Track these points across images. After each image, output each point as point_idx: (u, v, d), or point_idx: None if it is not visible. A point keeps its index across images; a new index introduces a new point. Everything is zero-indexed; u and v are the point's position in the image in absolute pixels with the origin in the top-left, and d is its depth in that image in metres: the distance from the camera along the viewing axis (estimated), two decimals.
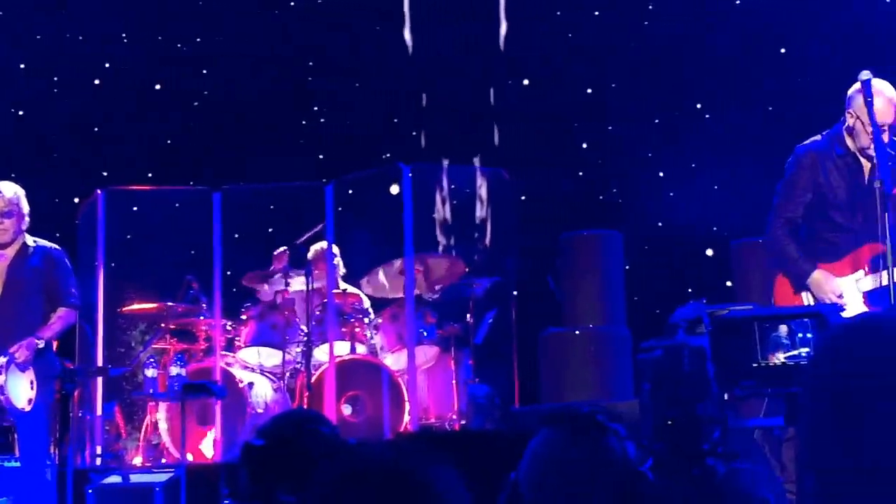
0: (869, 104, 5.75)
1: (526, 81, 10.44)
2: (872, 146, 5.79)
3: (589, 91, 10.43)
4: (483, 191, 8.87)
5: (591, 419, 2.83)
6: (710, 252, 9.80)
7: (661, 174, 10.32)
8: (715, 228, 9.87)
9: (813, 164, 6.03)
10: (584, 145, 10.53)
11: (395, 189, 8.48)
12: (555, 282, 9.24)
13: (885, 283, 5.59)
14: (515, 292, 8.74)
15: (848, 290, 5.91)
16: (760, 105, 9.93)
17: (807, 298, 5.95)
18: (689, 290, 9.37)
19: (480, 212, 8.80)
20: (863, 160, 6.00)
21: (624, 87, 10.43)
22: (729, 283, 9.15)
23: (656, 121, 10.47)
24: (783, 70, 9.98)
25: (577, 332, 9.03)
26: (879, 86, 5.88)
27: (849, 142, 5.97)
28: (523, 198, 9.73)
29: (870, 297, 5.85)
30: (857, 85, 5.86)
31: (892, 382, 1.62)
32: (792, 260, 5.99)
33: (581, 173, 10.62)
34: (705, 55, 10.21)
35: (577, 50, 10.32)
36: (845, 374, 1.67)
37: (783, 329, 5.37)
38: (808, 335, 5.16)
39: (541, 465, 2.76)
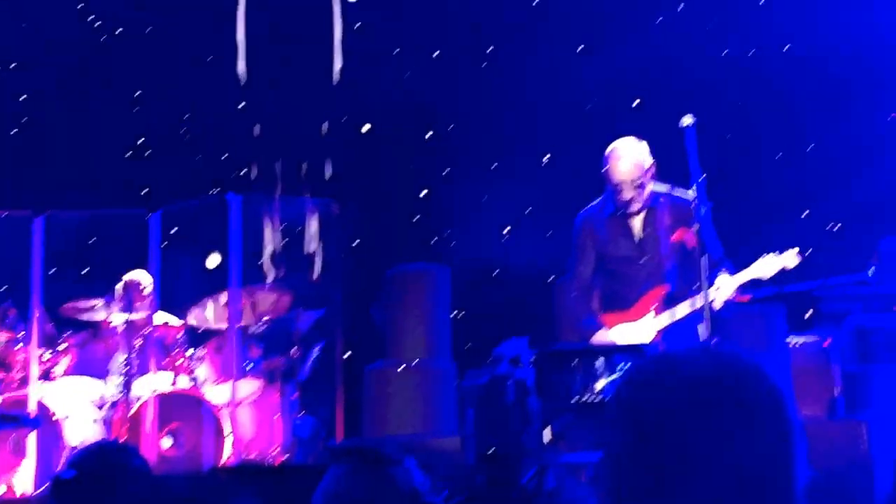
0: (604, 173, 6.17)
1: (366, 126, 10.43)
2: (633, 202, 6.16)
3: (430, 134, 10.47)
4: (313, 223, 8.66)
5: (376, 452, 2.83)
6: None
7: (492, 215, 10.39)
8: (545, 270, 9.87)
9: (590, 228, 6.39)
10: (423, 191, 10.52)
11: (213, 261, 8.57)
12: (379, 315, 9.16)
13: (677, 317, 6.03)
14: (342, 326, 8.59)
15: (638, 333, 6.20)
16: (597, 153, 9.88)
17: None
18: (515, 327, 9.30)
19: (309, 244, 8.59)
20: (631, 215, 6.30)
21: (463, 129, 10.46)
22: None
23: (494, 165, 10.52)
24: (627, 118, 10.05)
25: (401, 367, 8.93)
26: (619, 149, 6.19)
27: (618, 199, 6.26)
28: (355, 233, 9.77)
29: (664, 334, 6.19)
30: (611, 146, 6.20)
31: (683, 410, 1.71)
32: (581, 323, 6.34)
33: (415, 213, 10.62)
34: (548, 99, 10.31)
35: (416, 89, 10.34)
36: (643, 403, 1.76)
37: (600, 364, 5.57)
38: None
39: (327, 499, 2.75)
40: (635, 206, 6.29)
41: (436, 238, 10.31)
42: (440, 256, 9.58)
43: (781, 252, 5.99)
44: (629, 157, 6.26)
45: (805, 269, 7.99)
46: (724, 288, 5.94)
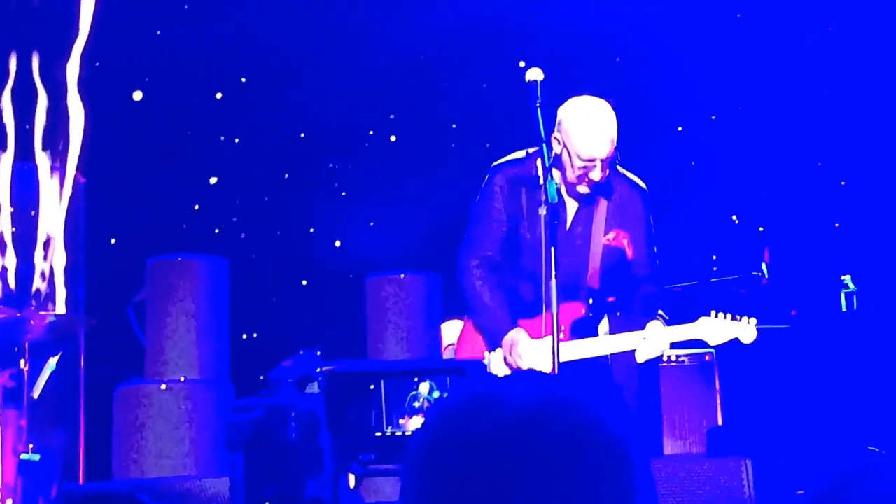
0: (563, 140, 5.24)
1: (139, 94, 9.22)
2: (582, 184, 5.25)
3: (219, 96, 9.42)
4: (49, 197, 7.35)
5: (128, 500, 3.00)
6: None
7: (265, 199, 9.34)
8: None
9: (510, 190, 5.44)
10: (195, 160, 9.33)
11: None
12: (137, 319, 7.97)
13: (587, 354, 5.21)
14: (86, 331, 7.53)
15: (542, 356, 5.27)
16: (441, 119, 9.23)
17: (495, 358, 5.38)
18: (314, 335, 8.01)
19: (43, 223, 7.32)
20: (568, 199, 5.34)
21: (255, 91, 9.44)
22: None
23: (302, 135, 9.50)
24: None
25: (163, 387, 7.61)
26: (590, 108, 5.28)
27: (555, 173, 5.25)
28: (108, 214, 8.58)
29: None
30: (570, 106, 5.29)
31: (493, 465, 1.52)
32: (486, 311, 5.43)
33: (193, 195, 9.46)
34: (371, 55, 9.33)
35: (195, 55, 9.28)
36: (443, 452, 1.56)
37: (424, 388, 4.87)
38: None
39: None
40: (586, 189, 5.33)
41: (217, 228, 9.34)
42: (221, 248, 8.46)
43: (735, 317, 5.21)
44: (611, 127, 5.27)
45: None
46: (653, 341, 5.15)
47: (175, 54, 9.19)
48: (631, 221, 5.35)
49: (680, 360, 7.15)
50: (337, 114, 9.22)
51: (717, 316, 5.21)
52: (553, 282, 4.86)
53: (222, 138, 9.36)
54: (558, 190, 5.18)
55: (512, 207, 5.42)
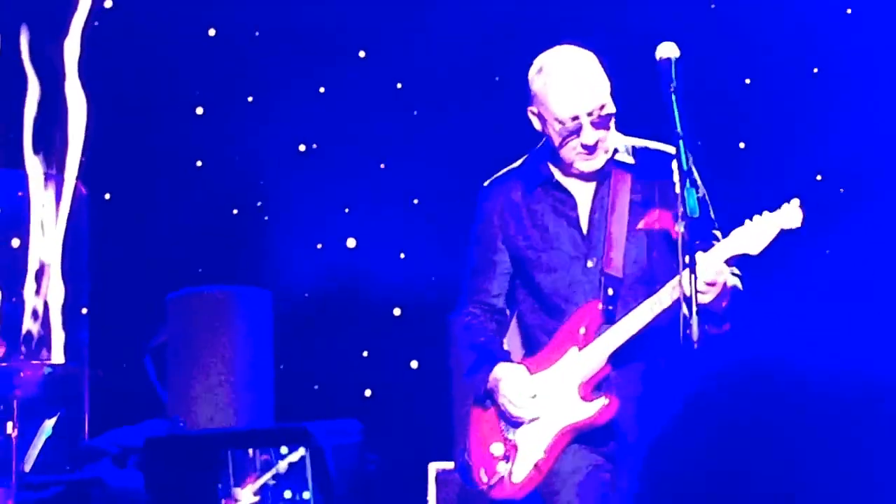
0: (537, 109, 4.75)
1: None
2: (595, 154, 4.73)
3: (250, 99, 9.00)
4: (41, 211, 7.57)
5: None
6: None
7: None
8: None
9: (503, 210, 4.98)
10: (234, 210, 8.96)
11: None
12: (156, 368, 7.49)
13: (629, 333, 4.70)
14: (92, 384, 7.37)
15: (550, 387, 4.77)
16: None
17: (503, 419, 4.85)
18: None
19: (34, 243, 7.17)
20: (575, 186, 4.87)
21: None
22: None
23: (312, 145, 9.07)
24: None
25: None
26: (561, 57, 4.75)
27: (565, 154, 4.78)
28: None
29: (617, 364, 4.73)
30: (537, 63, 4.78)
31: None
32: (465, 359, 4.95)
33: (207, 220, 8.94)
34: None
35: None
36: None
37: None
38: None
39: None
40: (599, 163, 4.74)
41: (241, 254, 8.81)
42: (248, 278, 8.00)
43: (775, 208, 4.64)
44: (589, 67, 4.72)
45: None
46: (701, 271, 4.48)
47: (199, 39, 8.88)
48: (664, 199, 4.78)
49: None
50: None
51: (753, 218, 4.62)
52: (694, 320, 4.22)
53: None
54: (565, 171, 4.76)
55: (514, 228, 4.95)
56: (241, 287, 7.38)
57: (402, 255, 8.69)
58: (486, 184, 5.05)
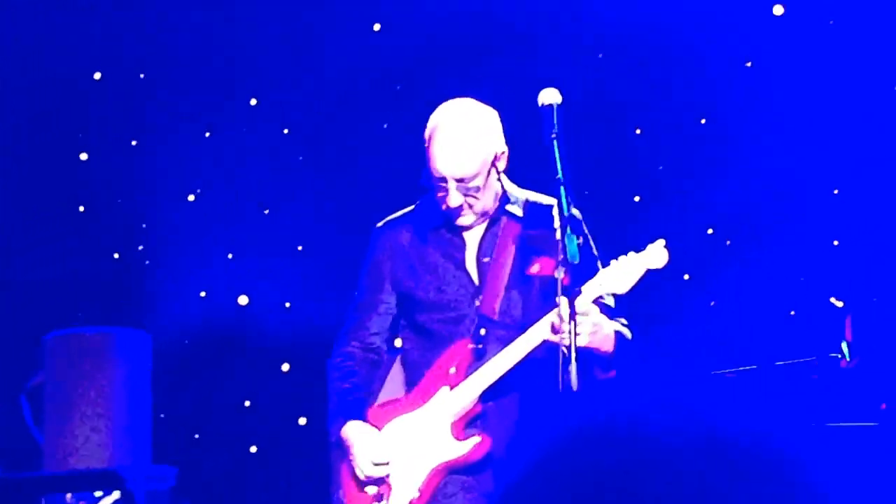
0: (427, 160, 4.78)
1: None
2: (464, 211, 4.78)
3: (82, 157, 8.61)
4: None
5: None
6: None
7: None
8: None
9: (392, 250, 5.00)
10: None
11: None
12: (31, 409, 7.01)
13: (486, 383, 4.68)
14: None
15: (422, 426, 4.77)
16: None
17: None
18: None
19: None
20: (462, 231, 4.90)
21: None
22: None
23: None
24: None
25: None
26: (445, 113, 4.82)
27: (443, 205, 4.85)
28: None
29: (489, 402, 4.76)
30: (436, 112, 4.84)
31: None
32: (330, 403, 5.00)
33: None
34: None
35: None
36: None
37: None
38: None
39: None
40: (469, 220, 4.81)
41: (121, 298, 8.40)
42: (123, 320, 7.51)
43: (640, 248, 4.71)
44: (466, 134, 4.73)
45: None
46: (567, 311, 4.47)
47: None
48: (549, 248, 4.67)
49: None
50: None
51: (619, 258, 4.68)
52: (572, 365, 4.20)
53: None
54: (452, 218, 4.79)
55: (402, 269, 4.95)
56: (119, 328, 6.95)
57: (288, 305, 8.52)
58: (378, 225, 5.04)
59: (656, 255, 4.68)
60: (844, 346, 6.64)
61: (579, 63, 7.80)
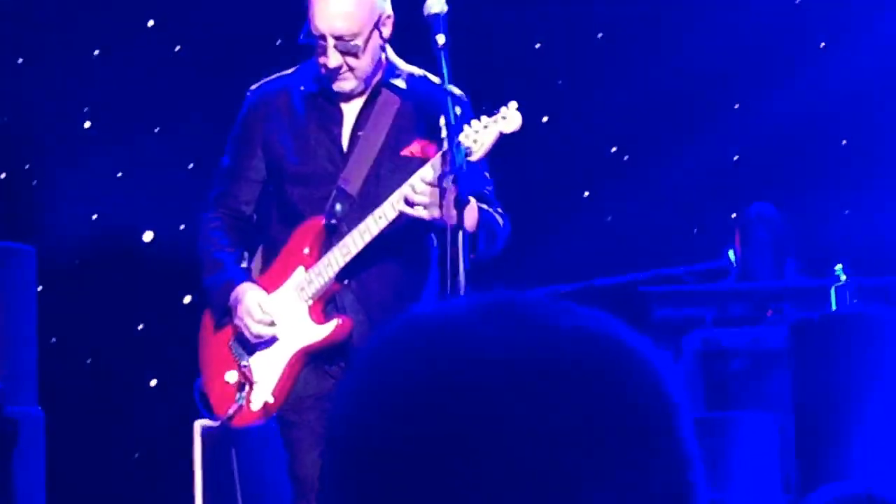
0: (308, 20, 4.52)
1: None
2: (342, 76, 4.50)
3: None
4: None
5: None
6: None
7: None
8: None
9: (265, 113, 4.70)
10: None
11: None
12: None
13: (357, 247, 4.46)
14: None
15: (281, 308, 4.54)
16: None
17: (234, 342, 4.57)
18: None
19: None
20: (342, 102, 4.62)
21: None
22: None
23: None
24: None
25: None
26: None
27: (322, 69, 4.61)
28: None
29: (351, 283, 4.53)
30: None
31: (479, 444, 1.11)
32: (211, 273, 4.64)
33: None
34: None
35: None
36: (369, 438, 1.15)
37: None
38: None
39: None
40: (349, 85, 4.51)
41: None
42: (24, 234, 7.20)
43: (492, 114, 4.41)
44: None
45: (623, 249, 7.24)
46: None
47: None
48: (431, 130, 4.53)
49: None
50: None
51: (468, 125, 4.38)
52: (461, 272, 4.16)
53: None
54: (327, 85, 4.51)
55: (274, 132, 4.65)
56: (3, 243, 6.61)
57: (182, 227, 8.33)
58: (252, 87, 4.77)
59: (510, 117, 4.43)
60: (731, 253, 6.64)
61: None
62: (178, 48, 8.20)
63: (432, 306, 1.26)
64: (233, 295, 4.50)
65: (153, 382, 7.95)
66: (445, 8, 4.36)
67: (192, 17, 8.25)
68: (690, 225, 7.56)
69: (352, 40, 4.40)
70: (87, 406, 7.59)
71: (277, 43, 8.17)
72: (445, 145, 4.26)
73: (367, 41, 4.44)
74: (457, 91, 4.46)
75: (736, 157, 7.72)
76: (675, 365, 6.17)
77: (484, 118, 4.38)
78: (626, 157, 7.85)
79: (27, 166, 8.32)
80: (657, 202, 7.66)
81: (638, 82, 7.61)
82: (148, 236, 8.29)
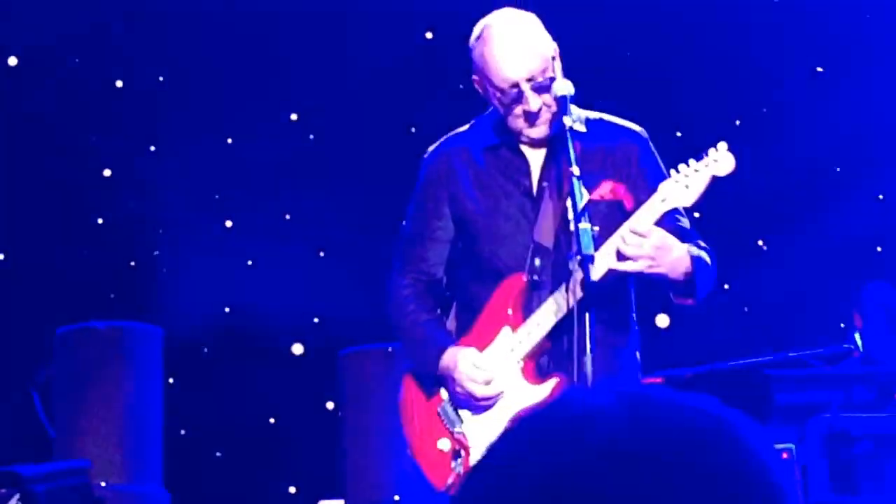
0: (479, 76, 4.37)
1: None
2: (539, 120, 4.32)
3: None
4: None
5: None
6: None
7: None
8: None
9: (450, 170, 4.53)
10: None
11: None
12: (42, 402, 6.96)
13: (550, 323, 4.29)
14: None
15: (500, 364, 4.36)
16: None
17: (444, 408, 4.42)
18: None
19: None
20: (527, 151, 4.44)
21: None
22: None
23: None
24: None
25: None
26: (499, 21, 4.37)
27: (513, 120, 4.38)
28: None
29: (557, 345, 4.31)
30: (476, 30, 4.40)
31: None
32: (414, 340, 4.49)
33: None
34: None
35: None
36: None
37: None
38: None
39: None
40: (542, 132, 4.33)
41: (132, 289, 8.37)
42: (151, 315, 7.42)
43: (701, 157, 4.17)
44: (525, 32, 4.34)
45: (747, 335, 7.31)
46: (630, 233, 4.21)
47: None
48: (627, 170, 4.42)
49: None
50: None
51: (676, 171, 4.19)
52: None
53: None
54: (517, 134, 4.34)
55: (462, 188, 4.49)
56: (131, 323, 6.94)
57: (316, 321, 8.48)
58: (430, 149, 4.64)
59: (722, 160, 4.22)
60: (857, 336, 6.55)
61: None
62: (311, 136, 8.39)
63: (584, 392, 1.36)
64: (443, 361, 4.38)
65: (292, 489, 8.02)
66: (573, 91, 4.27)
67: (327, 109, 8.46)
68: (816, 307, 7.50)
69: (542, 75, 4.30)
70: (215, 494, 7.69)
71: (412, 131, 8.33)
72: (572, 227, 4.12)
73: (553, 73, 4.36)
74: (636, 128, 4.42)
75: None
76: (797, 454, 6.11)
77: (693, 162, 4.21)
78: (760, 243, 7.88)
79: (156, 253, 8.53)
80: (783, 284, 7.66)
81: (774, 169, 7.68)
82: (298, 349, 8.43)
